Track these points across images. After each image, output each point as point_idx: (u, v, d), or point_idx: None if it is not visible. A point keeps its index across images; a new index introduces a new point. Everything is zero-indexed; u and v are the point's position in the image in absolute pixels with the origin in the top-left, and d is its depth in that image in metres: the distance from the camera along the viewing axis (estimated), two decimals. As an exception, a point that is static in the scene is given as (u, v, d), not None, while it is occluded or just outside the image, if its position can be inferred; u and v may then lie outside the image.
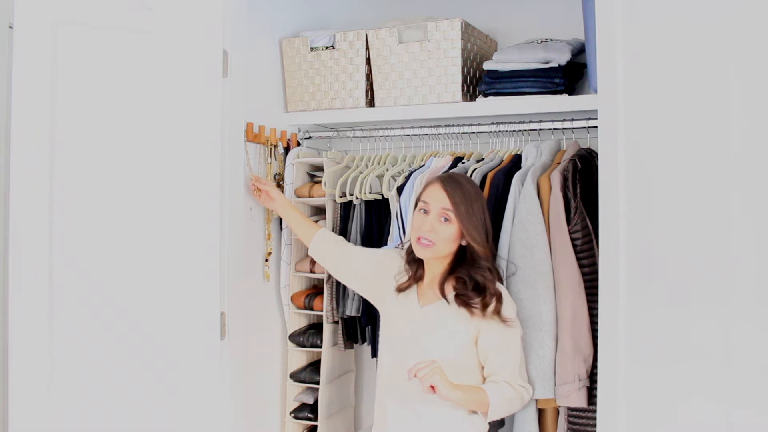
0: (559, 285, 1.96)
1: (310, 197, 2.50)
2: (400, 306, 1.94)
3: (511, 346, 1.84)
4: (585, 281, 1.97)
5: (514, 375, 1.83)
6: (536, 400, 2.00)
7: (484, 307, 1.82)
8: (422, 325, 1.88)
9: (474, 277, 1.85)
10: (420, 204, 1.90)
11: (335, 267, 2.21)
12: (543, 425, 2.08)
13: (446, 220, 1.85)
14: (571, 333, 1.94)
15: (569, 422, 2.02)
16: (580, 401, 1.94)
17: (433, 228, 1.85)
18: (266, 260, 2.47)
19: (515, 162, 2.22)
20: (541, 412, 2.07)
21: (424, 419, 1.85)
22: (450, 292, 1.89)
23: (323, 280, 2.45)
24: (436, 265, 1.92)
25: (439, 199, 1.86)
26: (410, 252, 1.99)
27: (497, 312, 1.82)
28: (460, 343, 1.83)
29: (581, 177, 2.03)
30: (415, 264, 1.97)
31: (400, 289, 1.96)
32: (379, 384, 1.99)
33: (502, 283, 1.94)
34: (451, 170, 2.22)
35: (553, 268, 1.97)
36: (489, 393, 1.78)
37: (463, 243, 1.87)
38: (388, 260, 2.06)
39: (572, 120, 2.22)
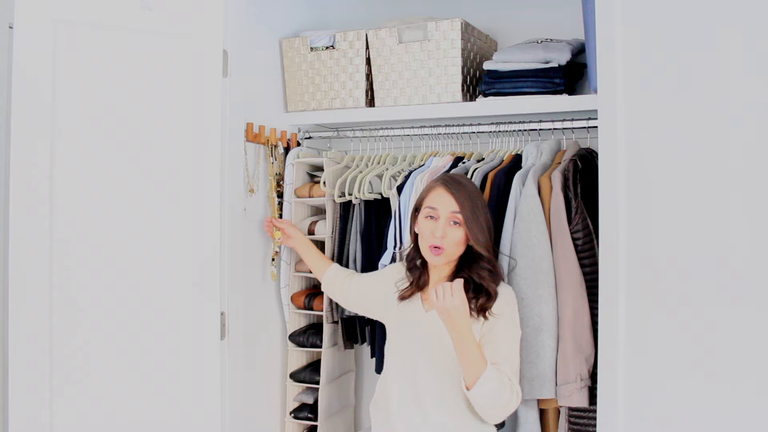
0: (560, 285, 1.97)
1: (310, 197, 2.50)
2: (405, 315, 1.92)
3: (514, 346, 1.83)
4: (586, 281, 1.97)
5: (513, 374, 1.79)
6: (538, 400, 2.00)
7: (480, 308, 1.80)
8: (429, 329, 1.86)
9: (473, 278, 1.84)
10: (426, 210, 1.87)
11: (345, 300, 2.23)
12: (544, 425, 2.08)
13: (455, 223, 1.83)
14: (572, 333, 1.94)
15: (570, 422, 2.02)
16: (581, 401, 1.94)
17: (444, 234, 1.83)
18: (272, 260, 2.47)
19: (516, 162, 2.22)
20: (541, 413, 2.07)
21: None
22: None
23: (323, 280, 2.45)
24: (443, 267, 1.91)
25: (446, 203, 1.84)
26: (411, 259, 1.98)
27: (483, 309, 1.80)
28: None
29: (582, 177, 2.03)
30: (417, 271, 1.95)
31: (403, 297, 1.94)
32: (385, 405, 1.93)
33: (504, 280, 1.93)
34: (451, 170, 2.22)
35: (555, 267, 1.98)
36: (488, 367, 1.70)
37: (470, 244, 1.86)
38: (387, 275, 2.05)
39: (572, 120, 2.22)
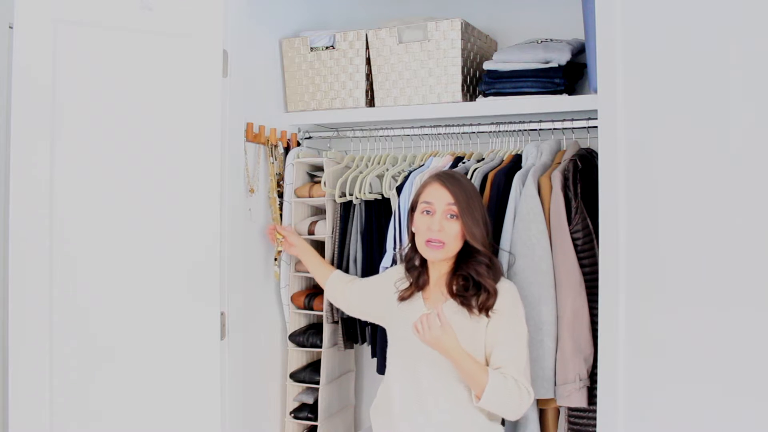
0: (559, 284, 1.97)
1: (310, 197, 2.50)
2: (406, 315, 1.90)
3: (520, 343, 1.81)
4: (586, 281, 1.97)
5: (520, 373, 1.78)
6: (537, 400, 2.00)
7: (480, 306, 1.81)
8: None
9: (471, 275, 1.84)
10: (422, 205, 1.88)
11: (348, 306, 2.22)
12: (544, 425, 2.08)
13: (452, 216, 1.83)
14: (571, 333, 1.94)
15: (570, 422, 2.02)
16: (580, 401, 1.94)
17: (441, 227, 1.83)
18: (275, 259, 2.47)
19: (516, 162, 2.22)
20: (541, 413, 2.07)
21: None
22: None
23: (323, 280, 2.45)
24: (443, 264, 1.90)
25: (441, 196, 1.84)
26: (409, 259, 1.97)
27: (485, 307, 1.80)
28: (471, 343, 1.79)
29: (582, 177, 2.03)
30: (416, 270, 1.95)
31: (403, 298, 1.94)
32: (387, 407, 1.93)
33: (504, 276, 1.92)
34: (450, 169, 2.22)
35: (554, 267, 1.98)
36: (490, 375, 1.73)
37: (466, 238, 1.85)
38: (387, 278, 2.05)
39: (572, 120, 2.22)
